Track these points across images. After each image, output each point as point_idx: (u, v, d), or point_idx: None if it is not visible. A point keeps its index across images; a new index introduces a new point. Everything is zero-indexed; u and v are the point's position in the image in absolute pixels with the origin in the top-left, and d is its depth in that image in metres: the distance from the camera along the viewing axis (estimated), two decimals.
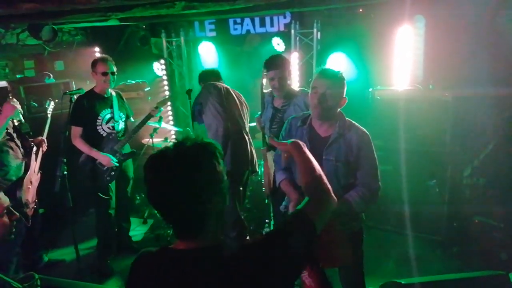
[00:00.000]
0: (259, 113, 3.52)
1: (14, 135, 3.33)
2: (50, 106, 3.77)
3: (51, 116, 3.78)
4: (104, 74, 3.57)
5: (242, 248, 1.19)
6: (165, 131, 5.37)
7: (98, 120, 3.64)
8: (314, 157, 2.05)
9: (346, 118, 2.37)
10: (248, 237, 3.85)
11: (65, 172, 3.41)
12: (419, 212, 3.83)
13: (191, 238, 1.19)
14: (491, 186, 3.77)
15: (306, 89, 3.34)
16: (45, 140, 3.60)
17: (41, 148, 3.54)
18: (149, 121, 4.47)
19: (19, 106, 3.22)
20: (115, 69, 3.65)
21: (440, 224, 3.85)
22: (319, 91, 2.22)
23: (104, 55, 3.78)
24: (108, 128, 3.71)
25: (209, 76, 3.91)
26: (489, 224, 3.57)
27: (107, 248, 3.92)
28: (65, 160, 3.40)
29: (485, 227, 3.57)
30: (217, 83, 3.80)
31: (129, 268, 1.28)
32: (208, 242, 1.19)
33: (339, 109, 2.33)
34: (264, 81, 3.29)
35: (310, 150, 2.04)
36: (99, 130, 3.67)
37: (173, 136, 5.92)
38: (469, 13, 3.73)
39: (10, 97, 3.28)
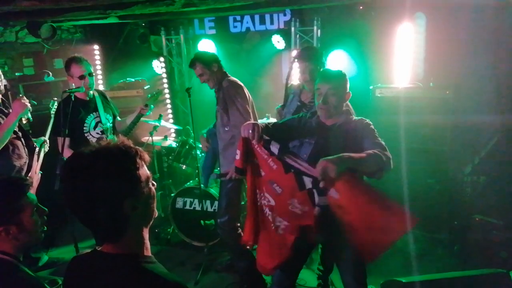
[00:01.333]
0: (280, 105, 3.45)
1: (20, 133, 3.30)
2: (54, 106, 3.66)
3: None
4: (81, 77, 3.23)
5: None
6: (164, 129, 5.35)
7: (85, 127, 3.39)
8: (320, 144, 2.34)
9: (351, 115, 2.49)
10: (240, 231, 3.72)
11: None
12: (420, 210, 3.82)
13: (110, 242, 1.20)
14: (491, 184, 3.77)
15: None
16: (47, 140, 3.55)
17: (43, 149, 3.50)
18: (148, 119, 4.46)
19: (29, 104, 3.15)
20: (92, 68, 3.36)
21: (441, 222, 3.85)
22: (323, 92, 2.33)
23: (75, 55, 3.33)
24: (97, 133, 3.46)
25: (218, 61, 3.49)
26: (490, 223, 3.57)
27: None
28: (64, 159, 3.37)
29: (486, 225, 3.56)
30: (237, 80, 3.52)
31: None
32: (128, 249, 1.19)
33: (345, 103, 2.46)
34: (293, 72, 3.28)
35: (317, 139, 2.38)
36: (87, 137, 3.41)
37: (173, 134, 5.91)
38: (470, 11, 3.72)
39: (20, 95, 3.24)
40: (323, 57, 3.17)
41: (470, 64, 3.82)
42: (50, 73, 4.84)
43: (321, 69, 2.80)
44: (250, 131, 2.24)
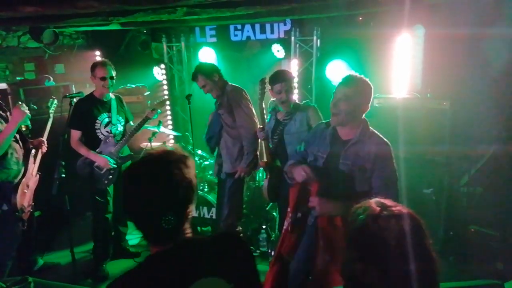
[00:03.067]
0: (260, 126, 3.56)
1: (17, 136, 3.34)
2: (53, 106, 3.73)
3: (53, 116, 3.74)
4: (103, 79, 3.56)
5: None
6: (163, 136, 5.37)
7: (96, 124, 3.66)
8: (332, 159, 2.23)
9: (370, 127, 2.32)
10: (240, 229, 3.87)
11: (63, 175, 3.41)
12: None
13: (167, 242, 1.26)
14: (487, 195, 3.78)
15: (310, 103, 3.44)
16: (45, 141, 3.59)
17: (40, 150, 3.53)
18: (148, 125, 4.50)
19: (28, 112, 3.24)
20: (114, 73, 3.65)
21: (437, 232, 3.85)
22: (337, 97, 2.22)
23: (103, 59, 3.78)
24: (107, 131, 3.72)
25: (218, 71, 3.76)
26: (486, 234, 3.58)
27: (103, 252, 3.91)
28: (63, 163, 3.40)
29: (482, 236, 3.57)
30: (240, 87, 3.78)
31: None
32: (179, 240, 1.28)
33: (363, 116, 2.30)
34: (264, 95, 3.36)
35: (330, 152, 2.25)
36: (97, 134, 3.68)
37: (172, 141, 5.93)
38: (468, 23, 3.76)
39: (19, 103, 3.28)
40: (294, 79, 3.44)
41: (468, 75, 3.85)
42: (51, 78, 4.88)
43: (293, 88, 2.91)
44: (304, 173, 2.20)
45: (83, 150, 3.60)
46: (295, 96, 4.86)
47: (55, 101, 3.76)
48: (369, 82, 2.28)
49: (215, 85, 3.63)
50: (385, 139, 2.27)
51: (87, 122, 3.62)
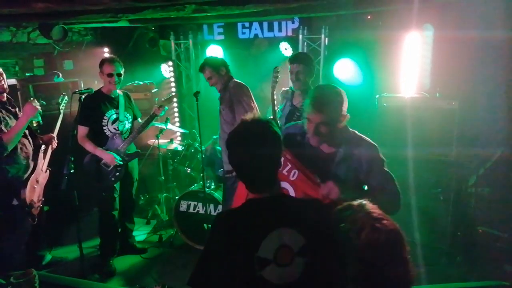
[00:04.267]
0: (270, 116, 3.52)
1: (27, 131, 3.37)
2: (63, 102, 3.74)
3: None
4: (110, 75, 3.59)
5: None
6: (171, 133, 5.40)
7: (104, 120, 3.68)
8: (319, 174, 2.01)
9: (351, 130, 2.14)
10: None
11: (72, 171, 3.43)
12: (423, 220, 3.82)
13: (264, 191, 1.53)
14: (496, 195, 3.76)
15: None
16: (55, 137, 3.62)
17: (50, 146, 3.56)
18: (155, 122, 4.52)
19: (39, 107, 3.26)
20: (122, 70, 3.67)
21: (445, 233, 3.84)
22: (313, 121, 2.00)
23: (112, 56, 3.80)
24: (114, 128, 3.74)
25: (226, 66, 3.78)
26: (494, 234, 3.56)
27: (110, 247, 3.95)
28: (72, 158, 3.42)
29: (489, 237, 3.55)
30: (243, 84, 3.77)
31: (212, 227, 1.61)
32: (274, 192, 1.55)
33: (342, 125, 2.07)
34: (277, 83, 3.40)
35: (312, 167, 2.03)
36: (105, 130, 3.70)
37: (179, 138, 5.95)
38: (477, 22, 3.74)
39: (32, 98, 3.31)
40: (313, 64, 3.48)
41: (477, 75, 3.82)
42: (60, 74, 4.90)
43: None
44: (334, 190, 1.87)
45: (89, 147, 3.61)
46: None
47: (66, 97, 3.77)
48: (338, 90, 2.05)
49: (220, 78, 3.69)
50: (370, 141, 2.12)
51: (95, 118, 3.64)
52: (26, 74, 5.06)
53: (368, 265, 1.19)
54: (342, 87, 2.11)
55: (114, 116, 3.72)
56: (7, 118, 3.20)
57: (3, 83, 3.22)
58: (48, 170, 3.56)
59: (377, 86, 4.47)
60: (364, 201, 1.33)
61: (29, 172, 3.35)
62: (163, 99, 3.98)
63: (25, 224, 3.35)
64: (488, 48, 3.75)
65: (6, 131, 3.12)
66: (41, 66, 5.21)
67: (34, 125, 3.41)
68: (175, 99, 6.03)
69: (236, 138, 1.55)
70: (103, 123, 3.68)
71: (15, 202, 3.23)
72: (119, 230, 4.07)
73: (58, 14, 3.83)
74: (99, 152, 3.62)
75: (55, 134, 3.63)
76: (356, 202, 1.33)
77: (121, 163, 3.70)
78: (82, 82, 4.97)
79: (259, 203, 1.52)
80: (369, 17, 4.66)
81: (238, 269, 1.45)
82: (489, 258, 3.46)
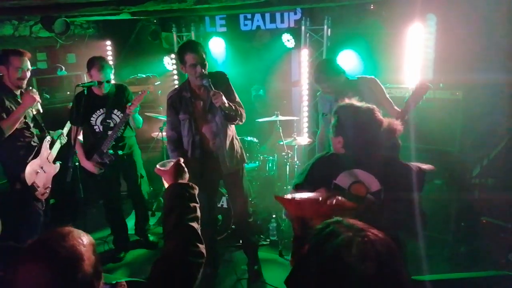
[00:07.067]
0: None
1: (32, 124, 3.39)
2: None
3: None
4: (99, 83, 3.52)
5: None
6: None
7: (92, 119, 3.67)
8: None
9: None
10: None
11: (77, 163, 3.46)
12: (427, 211, 3.82)
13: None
14: (499, 186, 3.75)
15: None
16: (64, 133, 3.66)
17: (59, 140, 3.59)
18: (158, 115, 4.53)
19: (38, 97, 3.26)
20: (111, 76, 3.61)
21: (448, 223, 3.84)
22: None
23: (99, 60, 3.56)
24: (104, 126, 3.70)
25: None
26: (497, 225, 3.56)
27: (117, 240, 4.02)
28: (76, 151, 3.45)
29: (493, 228, 3.55)
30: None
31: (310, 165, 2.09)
32: None
33: None
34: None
35: None
36: (95, 128, 3.71)
37: None
38: (481, 13, 3.70)
39: (30, 88, 3.32)
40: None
41: (481, 65, 3.80)
42: (63, 68, 4.91)
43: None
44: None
45: (78, 150, 3.63)
46: (305, 81, 4.88)
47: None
48: None
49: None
50: None
51: (83, 117, 3.56)
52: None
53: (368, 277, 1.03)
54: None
55: (102, 116, 3.69)
56: (13, 108, 3.22)
57: (26, 71, 3.24)
58: (58, 164, 3.60)
59: (380, 77, 4.41)
60: (339, 218, 1.19)
61: (30, 158, 3.36)
62: (136, 95, 3.72)
63: (35, 209, 3.41)
64: (492, 38, 3.72)
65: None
66: (44, 59, 5.20)
67: (34, 112, 3.42)
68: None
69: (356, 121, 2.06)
70: (91, 122, 3.68)
71: (18, 186, 3.27)
72: (124, 223, 4.12)
73: (59, 7, 3.83)
74: (81, 157, 3.66)
75: (65, 132, 3.66)
76: (331, 219, 1.19)
77: (101, 171, 3.69)
78: (85, 75, 4.97)
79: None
80: (372, 7, 4.62)
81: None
82: (493, 248, 3.47)
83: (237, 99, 3.23)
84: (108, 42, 5.76)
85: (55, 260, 1.15)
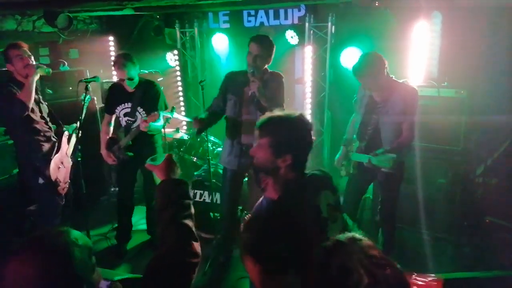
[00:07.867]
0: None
1: (48, 118, 3.50)
2: (87, 100, 3.67)
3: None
4: (121, 80, 3.62)
5: None
6: (177, 121, 5.38)
7: (116, 111, 3.77)
8: None
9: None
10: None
11: (79, 159, 3.46)
12: (431, 210, 3.81)
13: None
14: (503, 186, 3.73)
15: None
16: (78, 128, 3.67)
17: (74, 134, 3.65)
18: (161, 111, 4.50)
19: (34, 62, 3.31)
20: (134, 73, 3.60)
21: (452, 222, 3.83)
22: None
23: (121, 57, 3.59)
24: (126, 121, 3.78)
25: None
26: (501, 225, 3.54)
27: (119, 232, 4.04)
28: (79, 147, 3.45)
29: (497, 227, 3.54)
30: None
31: None
32: None
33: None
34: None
35: None
36: (120, 120, 3.81)
37: (184, 127, 5.95)
38: (487, 11, 3.67)
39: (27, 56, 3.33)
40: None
41: (486, 64, 3.78)
42: (66, 63, 4.89)
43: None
44: None
45: (102, 135, 3.79)
46: (308, 78, 4.84)
47: (89, 96, 3.69)
48: None
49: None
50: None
51: (112, 108, 3.79)
52: None
53: None
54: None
55: (127, 110, 3.76)
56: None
57: (27, 57, 3.28)
58: (72, 158, 3.66)
59: None
60: (357, 235, 1.02)
61: (52, 154, 3.45)
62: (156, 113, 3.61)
63: (56, 203, 3.50)
64: (497, 36, 3.69)
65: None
66: (46, 54, 5.18)
67: (43, 74, 3.41)
68: (180, 88, 6.02)
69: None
70: (117, 113, 3.80)
71: (40, 180, 3.36)
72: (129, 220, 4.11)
73: (62, 2, 3.81)
74: (102, 144, 3.77)
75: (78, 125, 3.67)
76: (346, 236, 1.02)
77: (115, 163, 3.78)
78: (88, 70, 4.96)
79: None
80: (376, 3, 4.58)
81: None
82: (497, 248, 3.46)
83: (281, 102, 3.23)
84: (111, 38, 5.73)
85: (44, 257, 1.14)
